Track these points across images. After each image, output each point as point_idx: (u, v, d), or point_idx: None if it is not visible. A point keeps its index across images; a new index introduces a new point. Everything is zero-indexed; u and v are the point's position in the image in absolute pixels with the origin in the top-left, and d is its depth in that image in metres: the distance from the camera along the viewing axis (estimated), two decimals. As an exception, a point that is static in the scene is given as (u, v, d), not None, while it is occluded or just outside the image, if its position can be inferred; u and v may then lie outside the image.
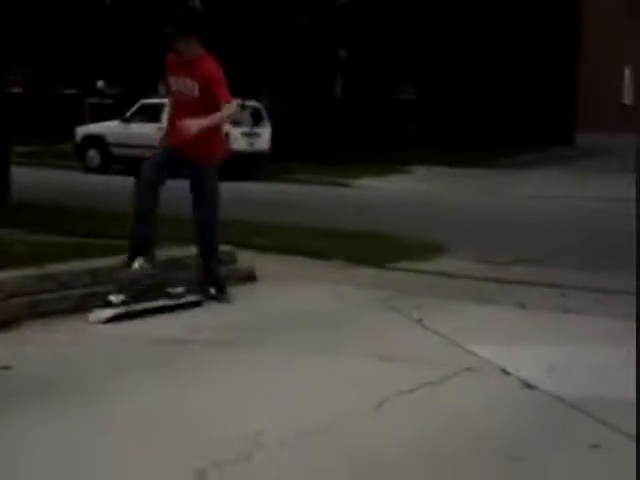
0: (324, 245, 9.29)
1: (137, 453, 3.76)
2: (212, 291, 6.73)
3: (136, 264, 6.39)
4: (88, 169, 21.30)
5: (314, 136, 25.95)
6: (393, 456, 3.83)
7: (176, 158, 6.65)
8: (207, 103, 6.58)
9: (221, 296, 6.74)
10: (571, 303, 6.97)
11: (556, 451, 3.94)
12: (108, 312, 6.00)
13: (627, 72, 38.68)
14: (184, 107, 6.66)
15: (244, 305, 6.64)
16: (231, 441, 3.87)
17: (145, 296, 6.27)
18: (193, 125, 6.45)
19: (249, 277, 7.56)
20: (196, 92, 6.65)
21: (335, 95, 28.92)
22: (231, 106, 6.75)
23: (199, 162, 6.69)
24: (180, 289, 6.52)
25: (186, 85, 6.68)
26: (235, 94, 22.18)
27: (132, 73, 25.95)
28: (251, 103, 22.24)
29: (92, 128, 22.11)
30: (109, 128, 21.45)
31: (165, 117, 7.08)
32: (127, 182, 16.87)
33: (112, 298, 6.09)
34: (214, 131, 6.78)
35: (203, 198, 6.77)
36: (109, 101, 26.20)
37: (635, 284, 6.89)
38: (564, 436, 4.14)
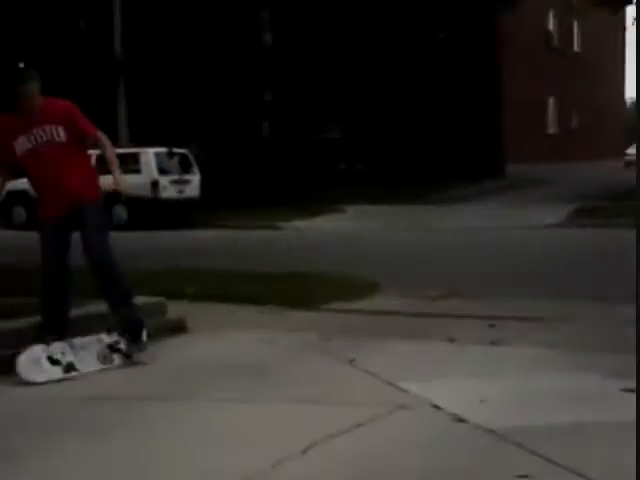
0: (256, 290, 9.25)
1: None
2: (122, 345, 6.33)
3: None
4: (13, 226, 21.01)
5: (244, 181, 26.01)
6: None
7: (65, 224, 6.28)
8: (75, 145, 6.26)
9: (132, 347, 6.34)
10: (499, 334, 7.02)
11: (486, 484, 3.96)
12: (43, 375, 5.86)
13: (551, 102, 39.58)
14: (51, 160, 6.19)
15: (173, 357, 6.55)
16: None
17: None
18: (122, 183, 6.33)
19: (180, 328, 7.47)
20: (62, 136, 6.21)
21: (263, 138, 29.03)
22: (103, 136, 6.41)
23: (82, 201, 6.27)
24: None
25: (47, 134, 6.20)
26: (163, 143, 22.11)
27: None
28: (179, 150, 22.22)
29: (15, 184, 21.84)
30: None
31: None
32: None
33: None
34: (90, 167, 6.47)
35: (92, 237, 6.29)
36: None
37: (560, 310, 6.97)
38: (494, 467, 4.16)
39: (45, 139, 6.22)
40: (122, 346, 6.33)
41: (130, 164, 19.89)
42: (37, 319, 6.34)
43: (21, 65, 6.56)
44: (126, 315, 6.38)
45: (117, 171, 6.34)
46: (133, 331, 6.37)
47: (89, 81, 24.74)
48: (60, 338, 6.14)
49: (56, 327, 6.23)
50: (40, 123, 6.21)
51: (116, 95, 25.47)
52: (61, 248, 6.30)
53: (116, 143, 22.50)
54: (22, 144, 6.26)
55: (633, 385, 5.10)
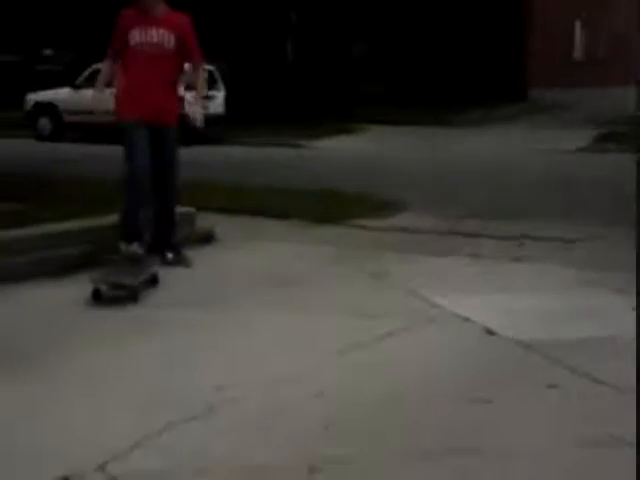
0: (282, 205, 9.27)
1: (90, 410, 3.80)
2: (169, 256, 6.58)
3: (134, 246, 6.18)
4: (40, 137, 20.93)
5: (268, 99, 25.83)
6: (358, 404, 3.89)
7: (149, 129, 6.43)
8: (179, 58, 6.50)
9: (179, 259, 6.61)
10: (527, 252, 7.08)
11: (517, 392, 4.07)
12: None
13: (577, 26, 38.81)
14: (151, 62, 6.37)
15: (203, 267, 6.62)
16: (191, 398, 3.89)
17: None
18: (198, 112, 6.64)
19: (208, 238, 7.54)
20: (172, 43, 6.42)
21: (287, 58, 28.73)
22: (204, 68, 6.83)
23: (167, 126, 6.57)
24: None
25: (158, 36, 6.40)
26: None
27: (81, 39, 25.53)
28: (204, 66, 22.04)
29: (43, 95, 21.71)
30: (60, 95, 21.10)
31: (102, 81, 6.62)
32: (80, 149, 16.51)
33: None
34: (176, 95, 6.73)
35: (166, 157, 6.59)
36: (59, 68, 25.76)
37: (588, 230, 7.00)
38: (524, 378, 4.27)
39: (156, 40, 6.41)
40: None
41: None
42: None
43: None
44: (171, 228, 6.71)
45: (200, 98, 6.83)
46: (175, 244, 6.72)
47: None
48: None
49: (137, 229, 6.37)
50: (157, 25, 6.41)
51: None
52: (146, 146, 6.41)
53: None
54: (133, 37, 6.42)
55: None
